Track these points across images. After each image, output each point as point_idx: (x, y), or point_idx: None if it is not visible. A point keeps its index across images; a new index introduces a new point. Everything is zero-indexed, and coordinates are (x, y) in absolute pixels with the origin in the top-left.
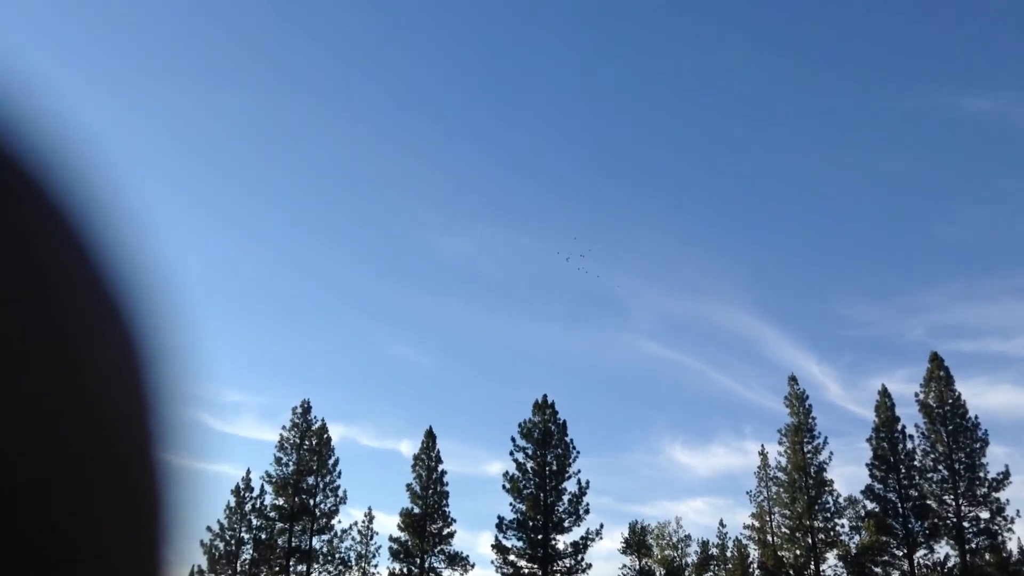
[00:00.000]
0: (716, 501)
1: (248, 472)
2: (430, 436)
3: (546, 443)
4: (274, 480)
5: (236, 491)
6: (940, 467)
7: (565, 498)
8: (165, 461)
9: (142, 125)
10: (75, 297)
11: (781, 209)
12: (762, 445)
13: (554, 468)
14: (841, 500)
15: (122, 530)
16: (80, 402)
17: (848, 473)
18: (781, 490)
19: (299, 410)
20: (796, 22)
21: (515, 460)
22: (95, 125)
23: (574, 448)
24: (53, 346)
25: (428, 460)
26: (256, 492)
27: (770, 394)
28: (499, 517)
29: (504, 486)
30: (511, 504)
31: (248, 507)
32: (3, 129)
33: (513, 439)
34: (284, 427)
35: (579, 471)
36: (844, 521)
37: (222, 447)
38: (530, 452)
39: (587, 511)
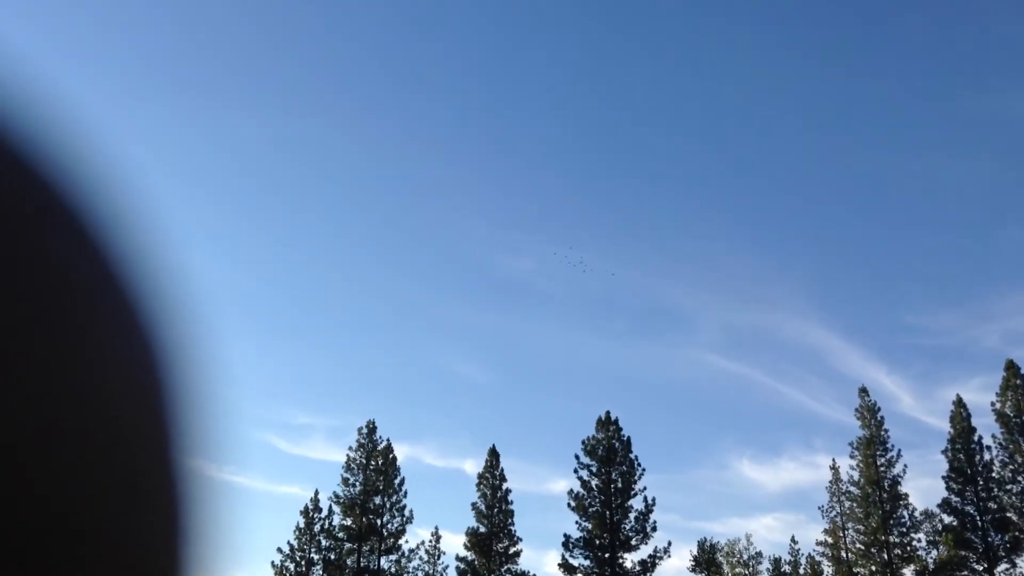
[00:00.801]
0: (787, 517)
1: (316, 493)
2: (493, 454)
3: (610, 460)
4: (342, 501)
5: (305, 512)
6: (1020, 478)
7: (631, 516)
8: (184, 467)
9: (197, 139)
10: (94, 301)
11: (846, 216)
12: (833, 459)
13: (619, 485)
14: (917, 514)
15: (136, 535)
16: (97, 407)
17: (924, 486)
18: (854, 505)
19: (365, 431)
20: (859, 26)
21: (579, 478)
22: (133, 133)
23: (639, 465)
24: (70, 349)
25: (492, 479)
26: (325, 513)
27: (840, 406)
28: (565, 535)
29: (569, 504)
30: (577, 522)
31: (317, 528)
32: (25, 132)
33: (577, 456)
34: (351, 448)
35: (645, 488)
36: (921, 536)
37: (293, 469)
38: (594, 469)
39: (654, 529)
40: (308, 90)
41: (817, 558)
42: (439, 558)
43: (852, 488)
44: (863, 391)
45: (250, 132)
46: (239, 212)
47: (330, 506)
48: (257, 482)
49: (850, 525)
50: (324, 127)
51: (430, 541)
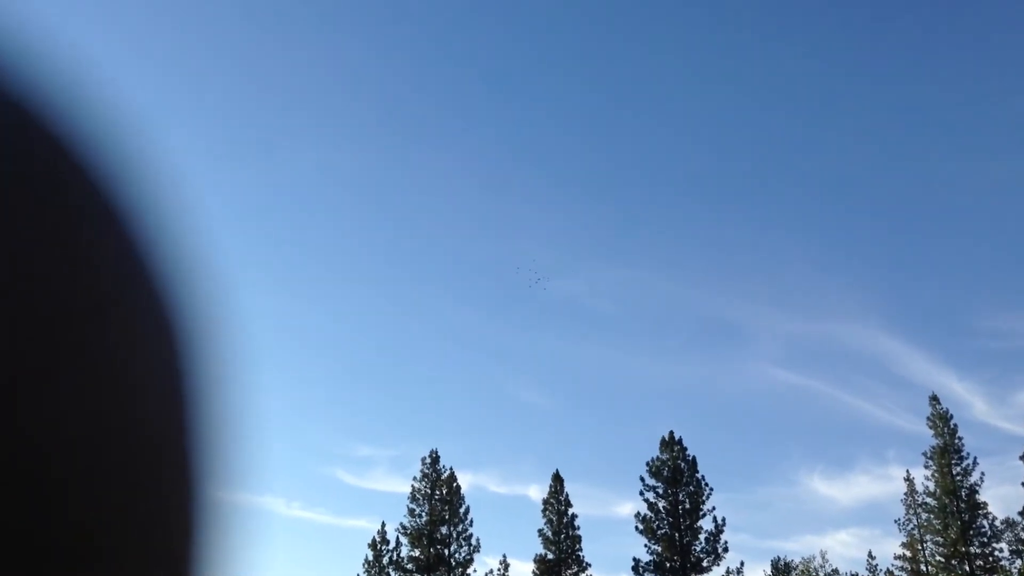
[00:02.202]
0: (862, 532)
1: (383, 525)
2: (557, 480)
3: (677, 481)
4: (409, 532)
5: (373, 544)
6: None
7: (701, 537)
8: (205, 484)
9: (253, 172)
10: (128, 310)
11: (908, 220)
12: (907, 470)
13: (687, 506)
14: (998, 523)
15: (149, 549)
16: (119, 417)
17: (1003, 494)
18: (932, 516)
19: (428, 460)
20: (919, 31)
21: (646, 500)
22: (203, 156)
23: (707, 484)
24: (97, 354)
25: (557, 504)
26: (392, 545)
27: (911, 415)
28: (634, 559)
29: (637, 527)
30: (646, 545)
31: (386, 560)
32: (68, 129)
33: (642, 478)
34: (415, 478)
35: (714, 508)
36: (1003, 545)
37: (358, 501)
38: (661, 491)
39: (726, 549)
40: (361, 122)
41: (896, 573)
42: None
43: (928, 499)
44: (934, 399)
45: (300, 168)
46: (295, 247)
47: (397, 537)
48: (325, 516)
49: (928, 537)
50: (373, 157)
51: (498, 570)
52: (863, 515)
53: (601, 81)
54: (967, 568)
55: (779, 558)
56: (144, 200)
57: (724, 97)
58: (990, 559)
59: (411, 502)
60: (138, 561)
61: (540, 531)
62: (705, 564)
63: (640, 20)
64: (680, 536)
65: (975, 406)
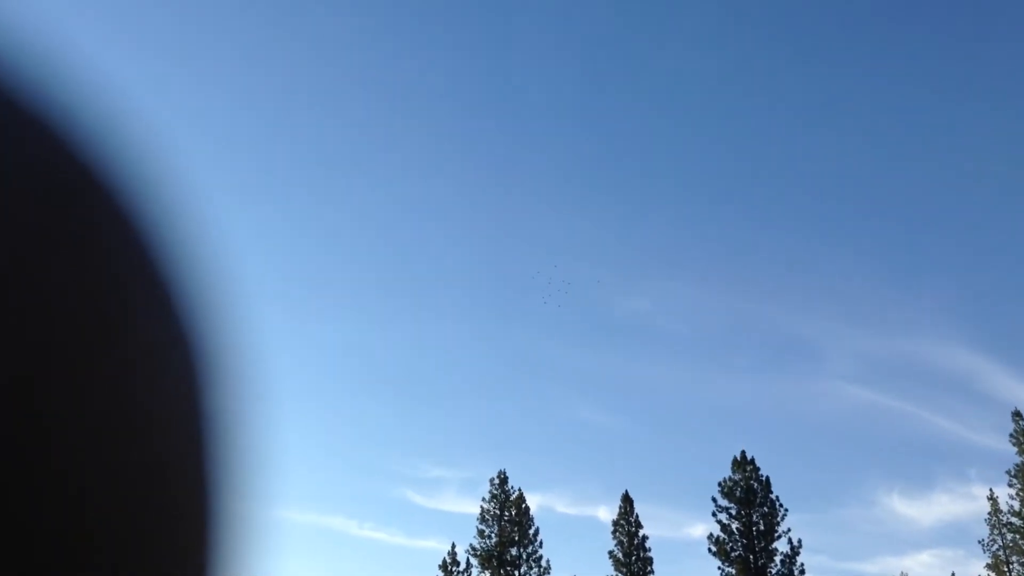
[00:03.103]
0: (945, 553)
1: (453, 547)
2: (627, 500)
3: (750, 502)
4: (479, 553)
5: (443, 566)
6: None
7: (777, 559)
8: (219, 500)
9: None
10: (143, 317)
11: (982, 231)
12: (990, 489)
13: (761, 528)
14: None
15: (161, 561)
16: (132, 426)
17: None
18: (1017, 536)
19: (496, 481)
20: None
21: (718, 521)
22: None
23: (781, 505)
24: (114, 362)
25: (628, 525)
26: (463, 567)
27: (993, 432)
28: None
29: (710, 549)
30: (719, 568)
31: None
32: (81, 132)
33: (714, 499)
34: (484, 499)
35: (789, 530)
36: None
37: (428, 522)
38: (734, 512)
39: (803, 572)
40: (432, 151)
41: None
42: None
43: (1013, 519)
44: (1016, 415)
45: (374, 197)
46: (365, 272)
47: (467, 559)
48: (396, 537)
49: (1015, 558)
50: (442, 184)
51: None
52: (945, 536)
53: (667, 100)
54: None
55: None
56: (160, 206)
57: (792, 119)
58: None
59: (480, 523)
60: (149, 571)
61: (610, 553)
62: None
63: (723, 52)
64: (755, 558)
65: None
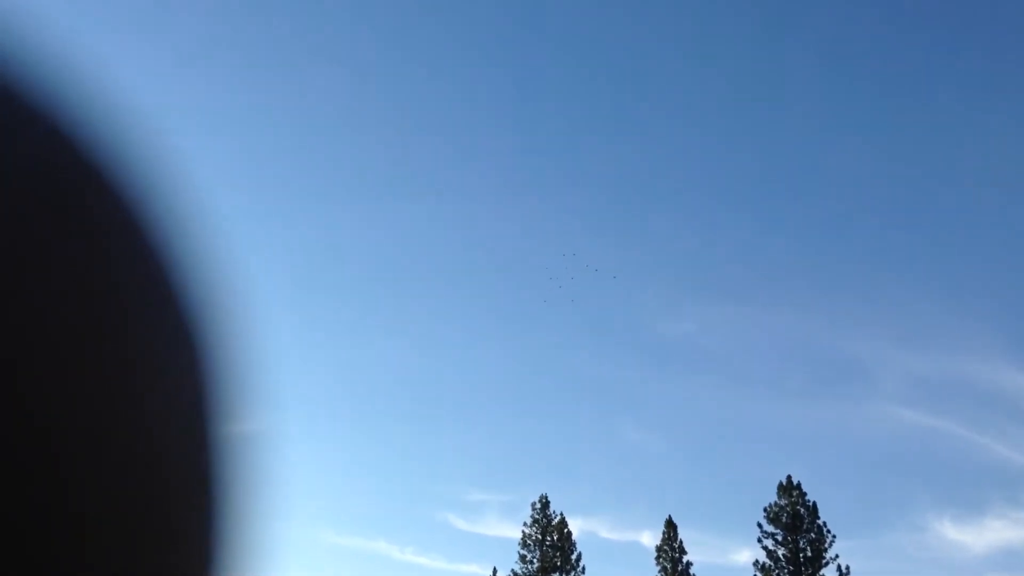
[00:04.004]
0: None
1: (495, 571)
2: (671, 526)
3: (796, 527)
4: None
5: None
6: None
7: None
8: (223, 505)
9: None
10: (148, 318)
11: None
12: None
13: (808, 554)
14: None
15: (162, 567)
16: (135, 425)
17: None
18: None
19: (538, 505)
20: None
21: (764, 547)
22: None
23: (828, 531)
24: (122, 366)
25: (671, 551)
26: None
27: None
28: None
29: (756, 575)
30: None
31: None
32: (89, 136)
33: (759, 525)
34: (525, 523)
35: (837, 556)
36: None
37: (470, 547)
38: (780, 538)
39: None
40: (465, 174)
41: None
42: None
43: None
44: None
45: (418, 226)
46: (407, 292)
47: None
48: (438, 562)
49: None
50: (477, 204)
51: None
52: (998, 562)
53: (709, 119)
54: None
55: None
56: (166, 207)
57: (840, 139)
58: None
59: (522, 548)
60: (150, 574)
61: None
62: None
63: (758, 70)
64: None
65: None
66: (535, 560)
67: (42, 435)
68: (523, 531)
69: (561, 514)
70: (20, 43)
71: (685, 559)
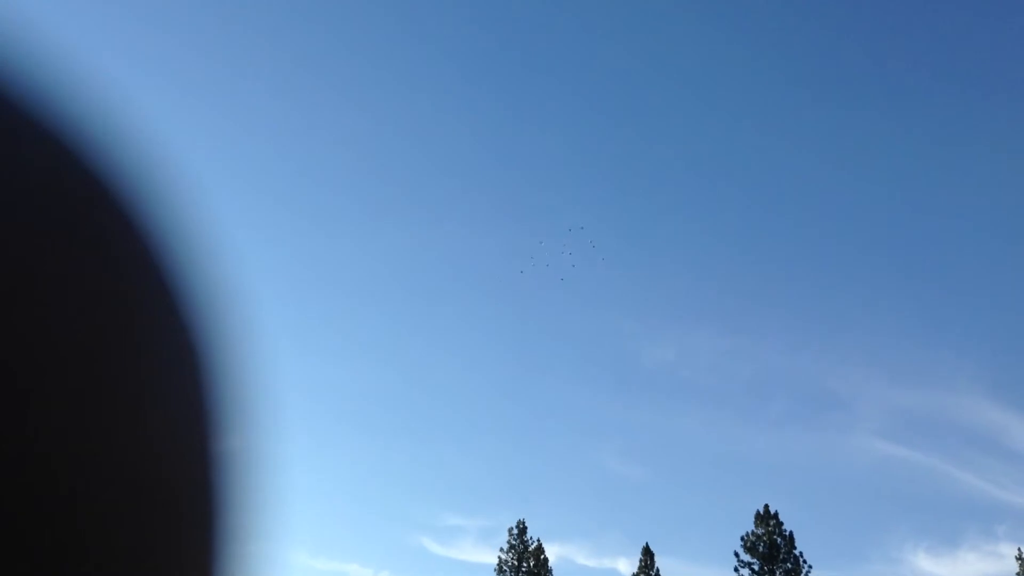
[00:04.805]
0: None
1: None
2: (648, 553)
3: (773, 557)
4: None
5: None
6: None
7: None
8: (224, 517)
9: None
10: (150, 327)
11: (1015, 285)
12: (1019, 548)
13: None
14: None
15: (158, 568)
16: (137, 430)
17: None
18: None
19: (515, 531)
20: None
21: None
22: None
23: (805, 562)
24: (128, 371)
25: None
26: None
27: (1023, 489)
28: None
29: None
30: None
31: None
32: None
33: (736, 554)
34: (502, 549)
35: None
36: None
37: (444, 571)
38: (756, 568)
39: None
40: (449, 195)
41: None
42: None
43: None
44: None
45: (402, 244)
46: (384, 315)
47: None
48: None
49: None
50: (466, 231)
51: None
52: None
53: (692, 147)
54: None
55: None
56: (170, 215)
57: (823, 170)
58: None
59: (498, 574)
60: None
61: None
62: None
63: (745, 99)
64: None
65: None
66: None
67: (44, 444)
68: (499, 556)
69: (538, 540)
70: (20, 50)
71: None
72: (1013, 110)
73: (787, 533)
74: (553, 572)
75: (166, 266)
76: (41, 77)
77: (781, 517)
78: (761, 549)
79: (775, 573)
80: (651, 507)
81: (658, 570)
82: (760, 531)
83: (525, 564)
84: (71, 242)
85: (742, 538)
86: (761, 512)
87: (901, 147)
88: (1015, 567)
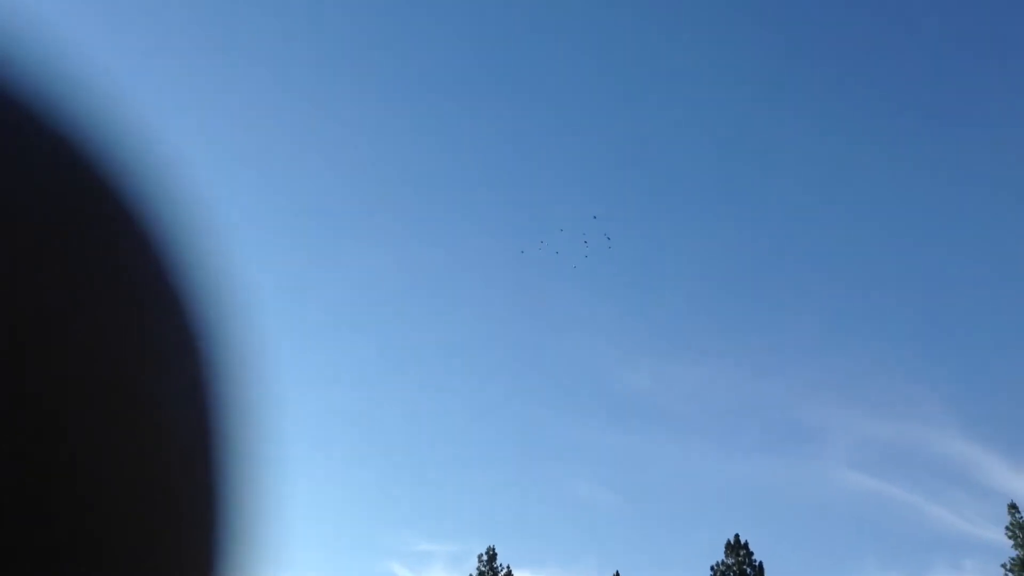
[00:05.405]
0: None
1: None
2: None
3: None
4: None
5: None
6: None
7: None
8: (223, 502)
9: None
10: (152, 328)
11: (990, 322)
12: None
13: None
14: None
15: (160, 567)
16: (139, 430)
17: None
18: None
19: (485, 557)
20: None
21: None
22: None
23: None
24: (128, 374)
25: None
26: None
27: (990, 524)
28: None
29: None
30: None
31: None
32: (95, 136)
33: None
34: (471, 575)
35: None
36: None
37: None
38: None
39: None
40: (435, 222)
41: None
42: None
43: None
44: (1012, 507)
45: (376, 263)
46: (359, 337)
47: None
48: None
49: None
50: (444, 254)
51: None
52: None
53: (667, 173)
54: None
55: None
56: (174, 217)
57: (799, 198)
58: None
59: None
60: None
61: None
62: None
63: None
64: None
65: None
66: None
67: (45, 444)
68: None
69: (508, 566)
70: (25, 51)
71: None
72: (988, 146)
73: (757, 563)
74: None
75: (169, 266)
76: (44, 76)
77: (751, 547)
78: None
79: None
80: (623, 534)
81: None
82: (730, 560)
83: None
84: (73, 241)
85: (712, 568)
86: (731, 541)
87: (880, 178)
88: None
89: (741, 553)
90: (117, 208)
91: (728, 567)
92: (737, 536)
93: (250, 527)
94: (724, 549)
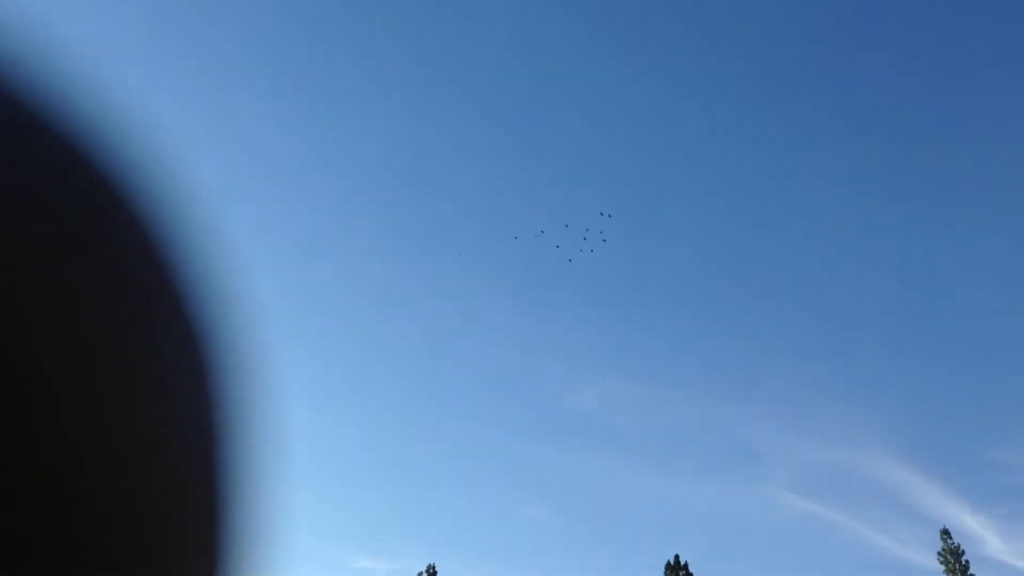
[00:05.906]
0: None
1: None
2: None
3: None
4: None
5: None
6: None
7: None
8: (227, 505)
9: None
10: (156, 328)
11: (925, 349)
12: None
13: None
14: None
15: (162, 568)
16: (143, 429)
17: None
18: None
19: (425, 574)
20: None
21: None
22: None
23: None
24: (130, 374)
25: None
26: None
27: (923, 548)
28: None
29: None
30: None
31: None
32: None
33: None
34: None
35: None
36: None
37: None
38: None
39: None
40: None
41: None
42: None
43: None
44: (945, 533)
45: (326, 275)
46: (308, 356)
47: None
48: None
49: None
50: (397, 267)
51: None
52: None
53: (623, 201)
54: None
55: None
56: (177, 217)
57: (748, 226)
58: None
59: None
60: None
61: None
62: None
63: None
64: None
65: (989, 542)
66: None
67: (47, 443)
68: None
69: None
70: (27, 50)
71: None
72: (939, 179)
73: None
74: None
75: (170, 266)
76: (45, 76)
77: (691, 568)
78: None
79: None
80: (563, 553)
81: None
82: None
83: None
84: (75, 241)
85: None
86: (671, 562)
87: (822, 204)
88: None
89: (680, 574)
90: (118, 208)
91: None
92: (677, 557)
93: (253, 526)
94: (664, 569)
